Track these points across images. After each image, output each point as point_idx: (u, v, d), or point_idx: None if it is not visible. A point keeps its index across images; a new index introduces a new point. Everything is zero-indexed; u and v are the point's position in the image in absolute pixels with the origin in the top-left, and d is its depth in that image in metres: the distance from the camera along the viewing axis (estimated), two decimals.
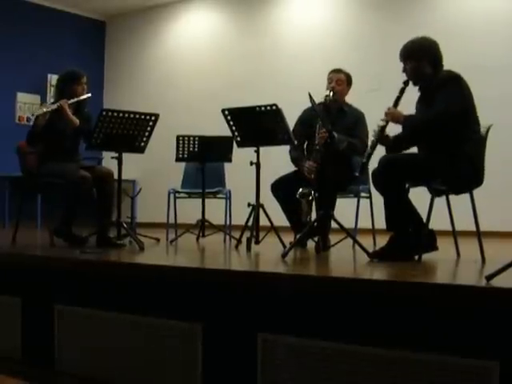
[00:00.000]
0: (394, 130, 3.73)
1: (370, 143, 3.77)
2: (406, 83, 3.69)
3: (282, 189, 4.57)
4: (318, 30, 8.00)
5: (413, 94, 3.75)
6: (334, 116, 4.57)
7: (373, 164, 3.65)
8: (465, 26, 6.95)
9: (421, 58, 3.63)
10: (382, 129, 3.68)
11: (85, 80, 4.75)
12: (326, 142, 4.24)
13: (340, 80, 4.73)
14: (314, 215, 4.22)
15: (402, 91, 3.68)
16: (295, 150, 4.73)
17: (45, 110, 4.48)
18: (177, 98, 9.00)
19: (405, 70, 3.71)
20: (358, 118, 4.74)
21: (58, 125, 4.52)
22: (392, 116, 3.64)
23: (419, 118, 3.64)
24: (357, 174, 3.85)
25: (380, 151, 3.69)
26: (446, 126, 3.46)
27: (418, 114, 3.71)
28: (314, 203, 4.16)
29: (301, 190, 4.18)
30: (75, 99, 4.63)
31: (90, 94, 4.75)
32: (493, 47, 6.76)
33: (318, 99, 4.19)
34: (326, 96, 4.34)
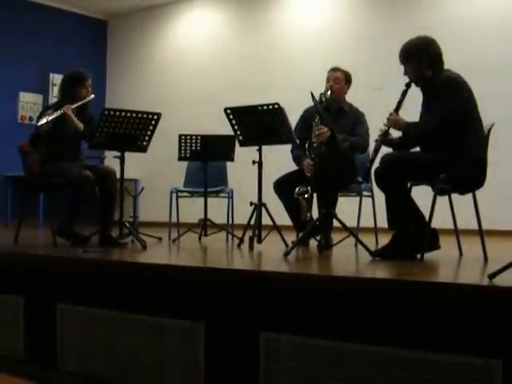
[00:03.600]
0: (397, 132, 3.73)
1: (372, 147, 3.72)
2: (408, 85, 3.63)
3: (285, 187, 4.55)
4: (318, 30, 7.99)
5: (415, 95, 3.72)
6: (333, 115, 4.56)
7: (375, 162, 3.64)
8: (465, 25, 6.93)
9: (419, 59, 3.56)
10: (385, 133, 3.65)
11: (89, 82, 4.69)
12: (328, 141, 4.23)
13: (338, 78, 4.67)
14: (314, 213, 4.22)
15: (404, 94, 3.63)
16: (297, 149, 4.71)
17: (49, 118, 4.37)
18: (179, 97, 9.00)
19: (406, 72, 3.66)
20: (357, 119, 4.69)
21: (61, 129, 4.49)
22: (394, 123, 3.61)
23: (419, 127, 3.58)
24: (360, 180, 3.82)
25: (383, 148, 3.68)
26: (446, 134, 3.44)
27: (421, 120, 3.67)
28: (312, 201, 4.16)
29: (297, 188, 4.18)
30: (79, 103, 4.57)
31: (93, 96, 4.69)
32: (491, 46, 6.75)
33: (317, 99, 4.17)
34: (321, 94, 4.29)
